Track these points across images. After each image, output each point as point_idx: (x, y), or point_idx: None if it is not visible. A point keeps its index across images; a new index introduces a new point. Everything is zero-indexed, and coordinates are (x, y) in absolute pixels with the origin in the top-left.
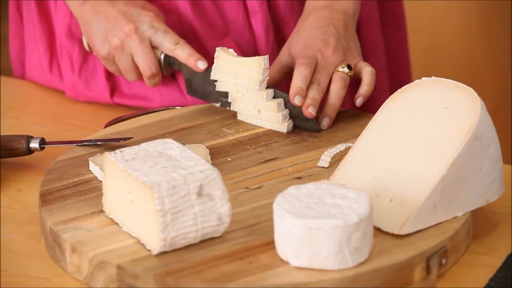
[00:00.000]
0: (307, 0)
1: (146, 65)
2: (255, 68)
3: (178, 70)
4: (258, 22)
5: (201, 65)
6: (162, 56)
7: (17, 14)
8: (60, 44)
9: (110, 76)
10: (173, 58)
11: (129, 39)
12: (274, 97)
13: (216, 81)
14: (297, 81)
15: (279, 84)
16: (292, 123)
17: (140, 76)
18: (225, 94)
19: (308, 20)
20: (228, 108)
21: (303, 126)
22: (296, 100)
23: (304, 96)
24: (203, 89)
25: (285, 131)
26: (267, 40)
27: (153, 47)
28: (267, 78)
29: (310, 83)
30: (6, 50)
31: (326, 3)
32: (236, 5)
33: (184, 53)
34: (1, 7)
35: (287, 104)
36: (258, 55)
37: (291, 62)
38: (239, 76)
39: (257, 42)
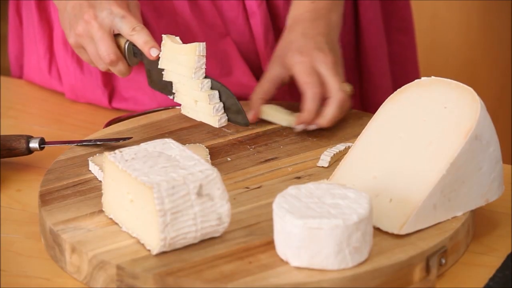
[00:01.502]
0: (290, 12)
1: (105, 52)
2: (191, 55)
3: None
4: (257, 23)
5: (153, 52)
6: (127, 45)
7: (17, 16)
8: (57, 49)
9: (107, 82)
10: (137, 47)
11: (89, 26)
12: (211, 88)
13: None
14: (310, 105)
15: (272, 96)
16: (226, 117)
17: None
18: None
19: (295, 31)
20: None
21: (234, 120)
22: (299, 128)
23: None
24: (159, 80)
25: (217, 125)
26: (266, 41)
27: (119, 35)
28: (204, 66)
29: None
30: (6, 50)
31: (311, 16)
32: (235, 6)
33: (140, 40)
34: (1, 7)
35: (222, 96)
36: (258, 56)
37: (285, 73)
38: (179, 63)
39: (256, 44)
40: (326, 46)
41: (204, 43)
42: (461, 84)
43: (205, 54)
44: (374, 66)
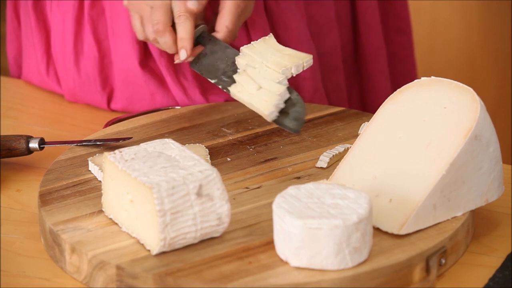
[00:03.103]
0: None
1: (155, 20)
2: (295, 58)
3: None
4: (254, 28)
5: (182, 54)
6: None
7: (15, 17)
8: (55, 53)
9: (105, 85)
10: (206, 33)
11: None
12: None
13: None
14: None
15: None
16: (277, 116)
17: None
18: (231, 72)
19: None
20: (220, 87)
21: (284, 124)
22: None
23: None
24: (212, 64)
25: (267, 113)
26: None
27: None
28: (292, 75)
29: None
30: (5, 50)
31: None
32: None
33: (181, 32)
34: (0, 8)
35: (289, 102)
36: None
37: None
38: (271, 54)
39: None
40: None
41: (312, 57)
42: (461, 84)
43: (305, 68)
44: (373, 67)
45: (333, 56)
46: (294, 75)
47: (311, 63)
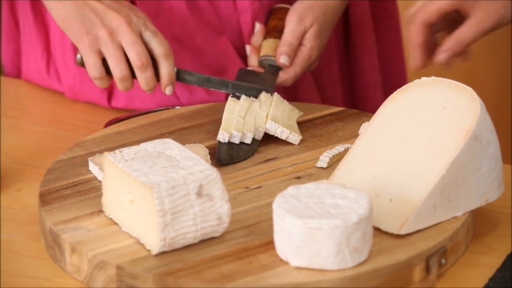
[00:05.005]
0: None
1: (137, 55)
2: (293, 129)
3: None
4: (248, 21)
5: (168, 90)
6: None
7: (11, 18)
8: (55, 49)
9: None
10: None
11: (121, 29)
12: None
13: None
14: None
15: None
16: (225, 140)
17: (128, 71)
18: (255, 92)
19: None
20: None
21: (219, 149)
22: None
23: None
24: (245, 79)
25: (219, 133)
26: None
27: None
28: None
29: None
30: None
31: None
32: (231, 4)
33: (166, 68)
34: None
35: (243, 144)
36: None
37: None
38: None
39: (246, 42)
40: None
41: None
42: (461, 84)
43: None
44: (364, 63)
45: (326, 48)
46: (274, 135)
47: (297, 141)
